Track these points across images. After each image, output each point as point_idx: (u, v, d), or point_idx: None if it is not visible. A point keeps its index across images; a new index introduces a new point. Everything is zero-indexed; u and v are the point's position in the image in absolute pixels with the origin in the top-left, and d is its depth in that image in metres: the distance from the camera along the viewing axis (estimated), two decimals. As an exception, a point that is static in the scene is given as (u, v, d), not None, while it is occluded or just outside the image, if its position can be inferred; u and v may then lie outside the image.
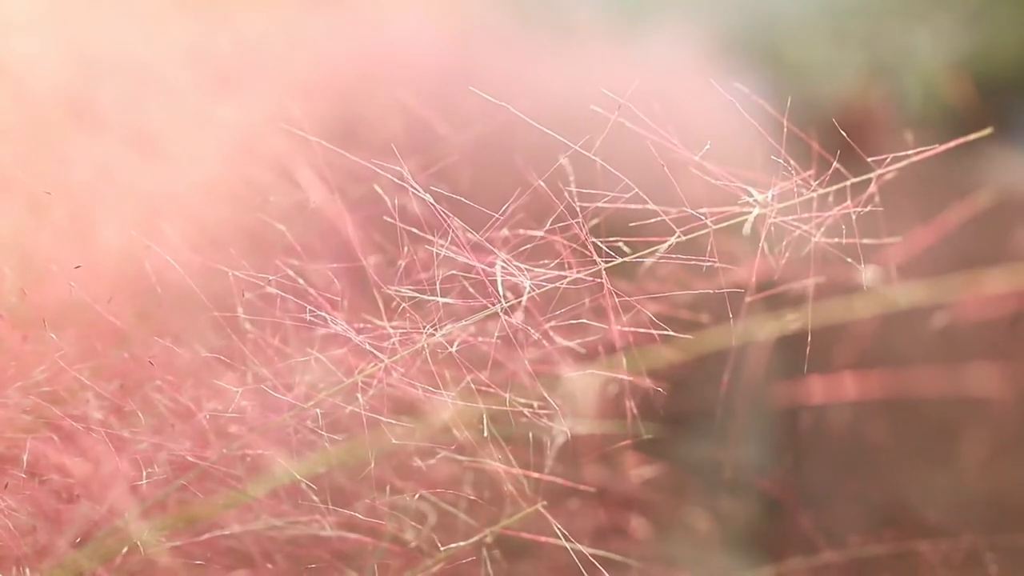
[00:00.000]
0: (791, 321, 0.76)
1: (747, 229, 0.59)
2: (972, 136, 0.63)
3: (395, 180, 0.62)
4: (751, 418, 1.06)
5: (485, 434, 0.60)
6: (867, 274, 0.81)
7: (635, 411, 0.67)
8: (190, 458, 0.64)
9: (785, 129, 0.62)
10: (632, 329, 0.63)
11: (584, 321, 0.62)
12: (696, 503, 0.94)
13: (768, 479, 1.02)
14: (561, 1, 1.45)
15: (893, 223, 0.69)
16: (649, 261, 0.61)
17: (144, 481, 0.63)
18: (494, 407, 0.62)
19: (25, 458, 0.64)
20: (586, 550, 0.63)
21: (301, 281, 0.64)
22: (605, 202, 0.60)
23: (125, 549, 0.62)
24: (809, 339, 0.68)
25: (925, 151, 0.61)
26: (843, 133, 0.65)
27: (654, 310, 0.65)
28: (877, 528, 0.88)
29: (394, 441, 0.62)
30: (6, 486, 0.63)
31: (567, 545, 0.62)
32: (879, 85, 1.50)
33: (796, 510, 0.87)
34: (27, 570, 0.62)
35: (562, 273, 0.60)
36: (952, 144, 0.62)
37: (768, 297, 0.72)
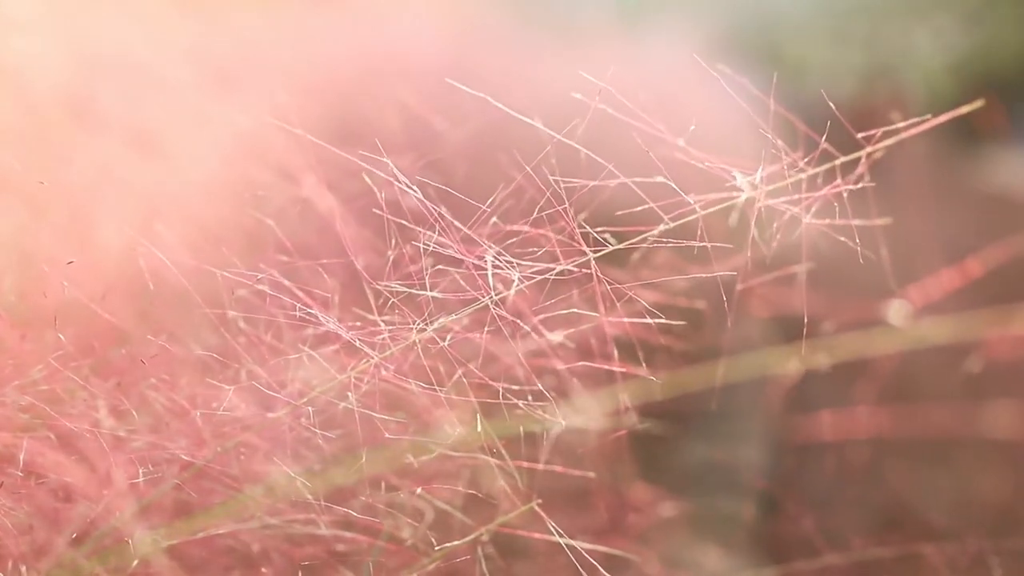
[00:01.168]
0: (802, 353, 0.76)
1: (734, 220, 0.59)
2: (964, 109, 0.62)
3: (385, 176, 0.62)
4: (752, 418, 1.05)
5: (479, 429, 0.60)
6: (895, 310, 0.80)
7: (628, 405, 0.67)
8: (184, 457, 0.64)
9: (772, 109, 0.61)
10: (628, 320, 0.63)
11: (575, 310, 0.62)
12: (696, 504, 0.93)
13: (769, 480, 1.02)
14: (561, 1, 1.45)
15: (892, 220, 0.68)
16: (638, 249, 0.61)
17: (140, 479, 0.63)
18: (488, 400, 0.62)
19: (22, 457, 0.63)
20: (583, 547, 0.63)
21: (286, 282, 0.64)
22: (594, 185, 0.59)
23: (136, 562, 0.62)
24: (806, 326, 0.68)
25: (916, 123, 0.60)
26: (831, 105, 0.64)
27: (650, 298, 0.65)
28: (880, 531, 0.88)
29: (387, 436, 0.61)
30: (0, 485, 0.63)
31: (562, 542, 0.62)
32: (879, 85, 1.49)
33: (798, 512, 0.86)
34: (24, 568, 0.62)
35: (550, 266, 0.59)
36: (944, 118, 0.61)
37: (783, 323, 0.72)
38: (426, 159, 0.72)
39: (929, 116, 0.60)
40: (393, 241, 0.62)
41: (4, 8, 0.96)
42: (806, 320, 0.66)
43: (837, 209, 0.60)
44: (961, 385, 0.93)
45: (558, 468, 0.66)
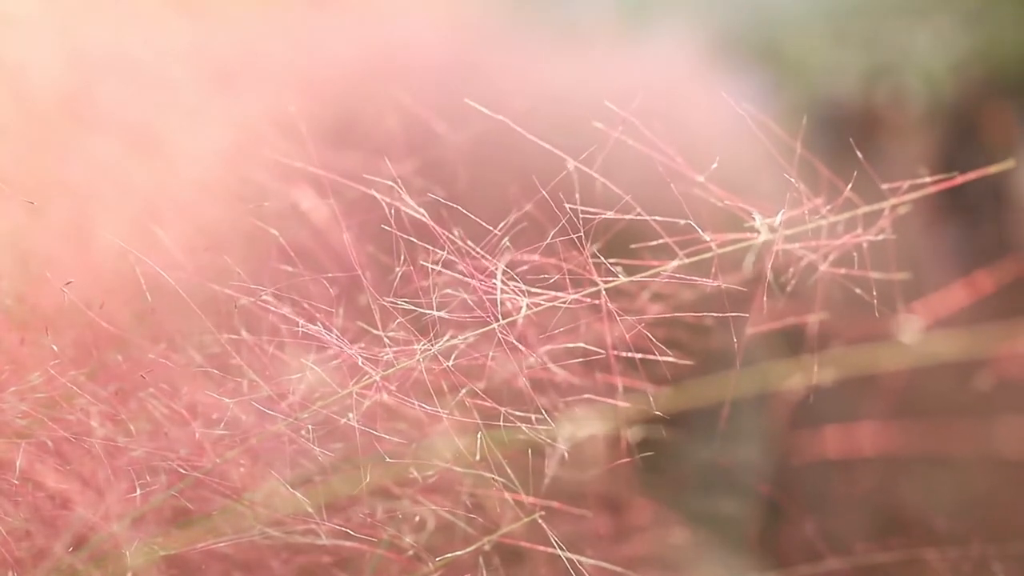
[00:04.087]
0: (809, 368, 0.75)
1: (748, 262, 0.58)
2: (994, 168, 0.61)
3: (390, 200, 0.61)
4: (754, 423, 1.05)
5: (477, 457, 0.59)
6: (904, 325, 0.80)
7: (629, 441, 0.66)
8: (181, 470, 0.63)
9: (798, 153, 0.60)
10: (635, 355, 0.62)
11: (583, 345, 0.61)
12: (698, 509, 0.93)
13: (771, 485, 1.02)
14: (562, 1, 1.45)
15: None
16: (650, 282, 0.60)
17: (138, 493, 0.63)
18: (491, 422, 0.61)
19: (19, 463, 0.63)
20: (585, 560, 0.63)
21: (284, 299, 0.63)
22: (610, 215, 0.58)
23: (130, 574, 0.61)
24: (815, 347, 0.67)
25: (943, 179, 0.59)
26: (859, 154, 0.63)
27: (657, 309, 0.64)
28: (883, 535, 0.87)
29: (388, 460, 0.61)
30: (-2, 490, 0.63)
31: (562, 555, 0.62)
32: (881, 85, 1.49)
33: (800, 516, 0.86)
34: (12, 574, 0.62)
35: (559, 294, 0.59)
36: (973, 176, 0.60)
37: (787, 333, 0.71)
38: (429, 162, 0.72)
39: (956, 174, 0.59)
40: (402, 257, 0.61)
41: (2, 7, 0.95)
42: (815, 342, 0.66)
43: (856, 257, 0.59)
44: (969, 401, 0.92)
45: (556, 504, 0.66)
